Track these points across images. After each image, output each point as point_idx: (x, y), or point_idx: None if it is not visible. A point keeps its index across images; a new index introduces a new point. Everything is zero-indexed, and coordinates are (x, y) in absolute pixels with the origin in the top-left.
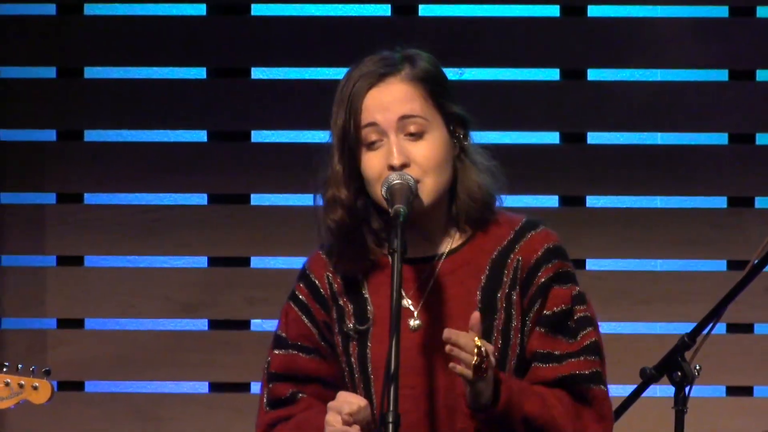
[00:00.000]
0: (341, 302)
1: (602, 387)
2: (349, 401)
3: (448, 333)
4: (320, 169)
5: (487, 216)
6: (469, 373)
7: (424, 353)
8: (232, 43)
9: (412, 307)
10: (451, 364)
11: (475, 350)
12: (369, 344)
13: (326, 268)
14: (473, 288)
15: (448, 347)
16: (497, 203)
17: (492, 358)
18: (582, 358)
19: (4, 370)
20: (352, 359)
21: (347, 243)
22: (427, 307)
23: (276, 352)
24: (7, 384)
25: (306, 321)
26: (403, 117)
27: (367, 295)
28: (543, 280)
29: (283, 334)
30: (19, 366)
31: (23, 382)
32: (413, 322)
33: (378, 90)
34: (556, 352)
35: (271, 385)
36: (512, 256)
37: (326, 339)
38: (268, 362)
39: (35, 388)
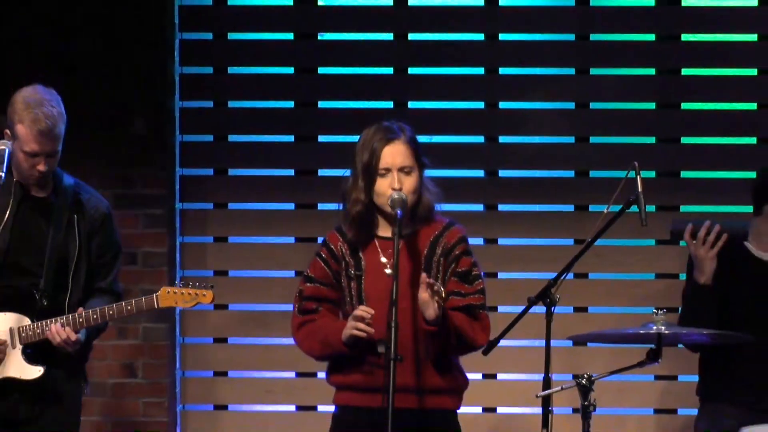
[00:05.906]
0: (347, 259)
1: (484, 312)
2: (365, 309)
3: (431, 280)
4: (343, 184)
5: (430, 218)
6: (441, 302)
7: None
8: (307, 121)
9: (387, 262)
10: (429, 297)
11: (442, 291)
12: (363, 283)
13: (338, 239)
14: (419, 256)
15: (427, 282)
16: (436, 209)
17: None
18: (476, 296)
19: (190, 285)
20: (353, 292)
21: (360, 226)
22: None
23: (307, 284)
24: (190, 294)
25: (325, 267)
26: (401, 168)
27: (361, 256)
28: (456, 252)
29: (311, 274)
30: (189, 283)
31: (198, 293)
32: (388, 270)
33: (390, 146)
34: (462, 291)
35: (303, 302)
36: (441, 239)
37: (337, 279)
38: (300, 290)
39: (204, 295)
